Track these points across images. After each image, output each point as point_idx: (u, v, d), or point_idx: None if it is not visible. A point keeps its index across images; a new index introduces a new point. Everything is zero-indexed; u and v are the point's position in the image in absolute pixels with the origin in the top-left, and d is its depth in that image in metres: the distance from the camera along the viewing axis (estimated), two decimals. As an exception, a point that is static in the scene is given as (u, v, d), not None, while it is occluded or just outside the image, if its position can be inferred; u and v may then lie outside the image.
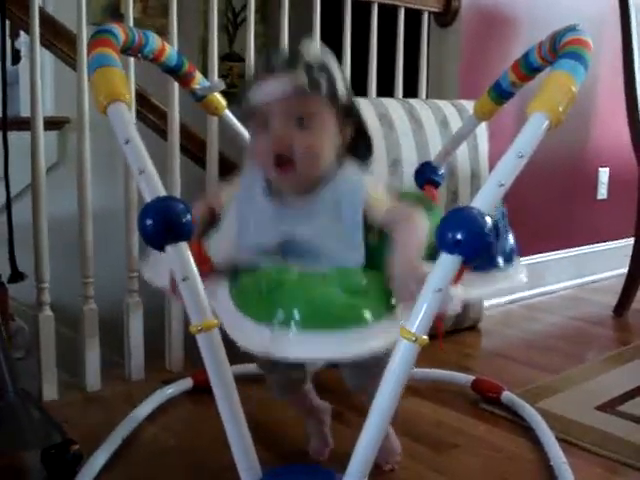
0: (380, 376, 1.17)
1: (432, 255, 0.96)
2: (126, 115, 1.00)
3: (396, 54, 2.33)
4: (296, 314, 0.97)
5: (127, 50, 1.19)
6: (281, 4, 2.05)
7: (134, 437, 1.52)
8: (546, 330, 2.47)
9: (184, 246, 0.93)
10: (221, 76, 1.89)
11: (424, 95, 2.41)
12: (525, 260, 2.69)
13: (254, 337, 0.98)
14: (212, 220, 1.21)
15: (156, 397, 1.68)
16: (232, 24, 3.50)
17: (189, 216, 0.94)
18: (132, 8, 1.83)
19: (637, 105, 2.52)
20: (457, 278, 0.96)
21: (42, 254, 1.72)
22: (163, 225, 0.92)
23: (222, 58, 2.42)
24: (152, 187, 0.95)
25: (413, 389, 1.75)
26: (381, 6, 2.27)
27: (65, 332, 2.01)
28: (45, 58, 2.48)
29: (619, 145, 2.93)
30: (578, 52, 1.03)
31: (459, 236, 0.90)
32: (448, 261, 0.91)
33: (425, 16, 2.40)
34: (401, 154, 1.99)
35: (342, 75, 1.12)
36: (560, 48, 1.09)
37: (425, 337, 0.91)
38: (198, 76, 1.45)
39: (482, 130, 2.20)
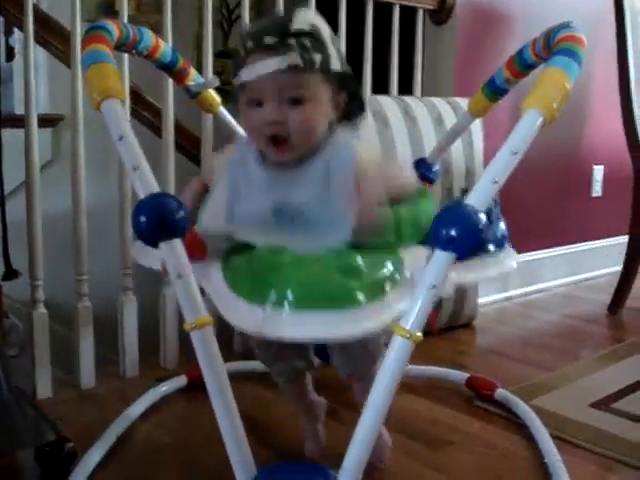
0: (370, 363, 1.17)
1: (424, 241, 0.96)
2: (120, 111, 0.99)
3: (391, 51, 2.33)
4: (289, 295, 0.97)
5: (121, 46, 1.19)
6: (276, 1, 2.05)
7: (128, 435, 1.51)
8: (541, 328, 2.47)
9: (178, 243, 0.93)
10: (216, 73, 1.89)
11: (419, 92, 2.41)
12: (520, 257, 2.71)
13: (247, 317, 0.98)
14: (205, 194, 1.20)
15: (150, 394, 1.68)
16: (227, 21, 3.50)
17: (183, 213, 0.93)
18: (126, 5, 1.83)
19: (631, 103, 2.53)
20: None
21: (36, 251, 1.72)
22: (157, 222, 0.92)
23: (217, 55, 2.42)
24: (146, 184, 0.95)
25: (408, 386, 1.75)
26: (376, 3, 2.26)
27: (59, 329, 2.00)
28: (39, 55, 2.47)
29: (614, 143, 2.93)
30: (572, 49, 1.03)
31: (453, 233, 0.90)
32: (442, 258, 0.91)
33: (420, 13, 2.40)
34: (396, 151, 1.99)
35: (335, 44, 1.10)
36: (554, 45, 1.09)
37: (419, 334, 0.91)
38: (193, 73, 1.45)
39: (477, 127, 2.20)
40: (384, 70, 2.33)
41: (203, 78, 1.51)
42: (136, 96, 2.07)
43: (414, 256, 1.07)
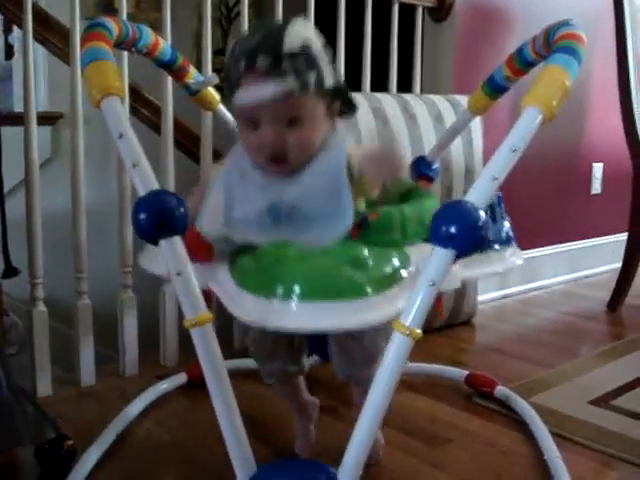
0: (369, 363, 1.18)
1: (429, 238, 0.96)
2: (119, 109, 0.99)
3: (390, 49, 2.33)
4: (296, 288, 0.97)
5: (120, 44, 1.19)
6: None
7: (128, 432, 1.51)
8: (540, 325, 2.47)
9: (178, 240, 0.93)
10: (215, 70, 1.89)
11: (418, 90, 2.41)
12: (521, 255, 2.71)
13: (253, 309, 0.99)
14: None
15: (150, 392, 1.68)
16: (226, 18, 3.50)
17: (183, 210, 0.93)
18: (125, 2, 1.83)
19: (631, 100, 2.53)
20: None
21: (36, 249, 1.72)
22: (157, 219, 0.92)
23: (216, 52, 2.42)
24: (146, 181, 0.95)
25: (407, 383, 1.76)
26: (375, 1, 2.26)
27: (59, 327, 2.01)
28: (38, 53, 2.48)
29: (613, 140, 2.93)
30: (572, 46, 1.03)
31: (453, 230, 0.90)
32: (442, 255, 0.91)
33: (419, 11, 2.40)
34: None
35: (328, 57, 1.11)
36: (554, 42, 1.09)
37: (419, 331, 0.91)
38: (192, 70, 1.45)
39: (476, 125, 2.20)
40: (383, 67, 2.33)
41: (202, 76, 1.51)
42: (135, 93, 2.07)
43: (419, 252, 1.08)
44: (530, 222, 2.79)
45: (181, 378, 1.76)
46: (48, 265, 1.74)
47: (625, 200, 2.61)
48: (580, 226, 3.10)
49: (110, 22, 1.13)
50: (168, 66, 1.41)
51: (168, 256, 0.93)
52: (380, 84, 2.31)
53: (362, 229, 1.09)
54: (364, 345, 1.18)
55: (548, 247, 2.94)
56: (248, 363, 1.79)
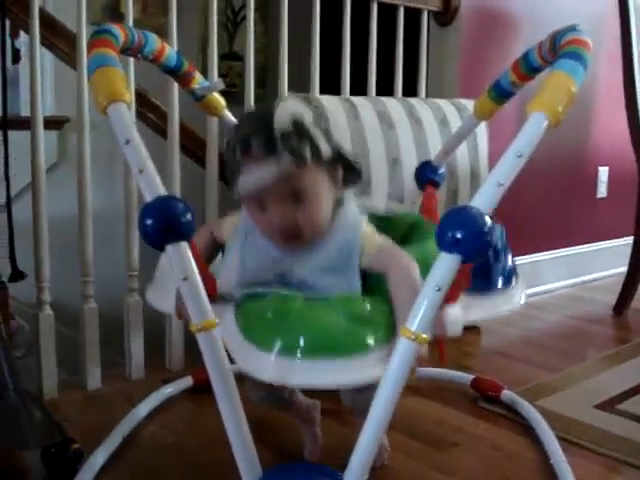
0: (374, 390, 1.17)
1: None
2: (126, 115, 0.99)
3: (396, 53, 2.33)
4: (301, 341, 0.98)
5: (127, 50, 1.19)
6: (281, 3, 2.05)
7: (134, 436, 1.52)
8: (546, 329, 2.47)
9: (184, 246, 0.94)
10: (221, 75, 1.89)
11: (424, 94, 2.41)
12: (525, 259, 2.72)
13: (258, 363, 0.99)
14: (214, 246, 1.24)
15: (156, 396, 1.69)
16: (232, 23, 3.51)
17: (189, 216, 0.94)
18: (132, 7, 1.83)
19: (636, 104, 2.52)
20: (457, 293, 0.97)
21: (42, 253, 1.73)
22: (163, 225, 0.92)
23: (222, 57, 2.43)
24: (152, 187, 0.95)
25: (413, 388, 1.76)
26: (381, 5, 2.27)
27: (65, 331, 2.01)
28: (45, 58, 2.49)
29: (619, 144, 2.93)
30: (578, 52, 1.03)
31: (458, 235, 0.90)
32: (447, 260, 0.91)
33: (425, 15, 2.40)
34: (401, 153, 1.98)
35: (322, 126, 1.10)
36: (560, 48, 1.09)
37: (425, 336, 0.91)
38: (198, 76, 1.45)
39: (482, 130, 2.19)
40: (389, 71, 2.33)
41: (208, 81, 1.51)
42: (142, 98, 2.08)
43: None
44: (536, 226, 2.79)
45: (187, 382, 1.77)
46: (54, 269, 1.75)
47: (631, 204, 2.61)
48: (586, 230, 3.10)
49: (116, 29, 1.13)
50: (174, 72, 1.42)
51: (174, 262, 0.93)
52: (385, 88, 2.31)
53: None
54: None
55: (554, 251, 2.94)
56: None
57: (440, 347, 1.06)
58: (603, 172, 3.13)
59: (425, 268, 1.06)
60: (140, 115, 2.06)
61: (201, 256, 1.11)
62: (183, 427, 1.63)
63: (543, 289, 2.88)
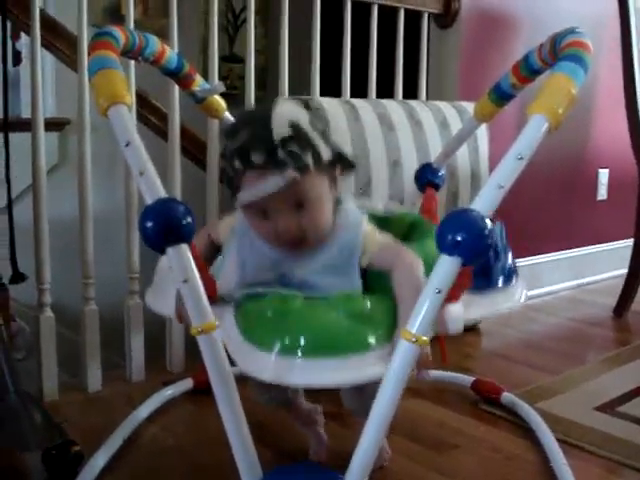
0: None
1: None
2: (127, 118, 1.00)
3: (396, 55, 2.33)
4: (301, 341, 0.97)
5: (127, 53, 1.19)
6: (281, 5, 2.06)
7: (135, 438, 1.52)
8: (546, 331, 2.47)
9: (185, 248, 0.94)
10: (221, 77, 1.90)
11: (424, 96, 2.41)
12: (525, 261, 2.72)
13: (258, 364, 0.98)
14: (213, 247, 1.24)
15: (157, 398, 1.69)
16: (232, 25, 3.51)
17: (190, 218, 0.94)
18: (133, 9, 1.84)
19: (637, 106, 2.52)
20: (458, 293, 0.97)
21: (43, 255, 1.73)
22: (164, 227, 0.92)
23: (222, 59, 2.43)
24: (153, 189, 0.95)
25: (414, 390, 1.75)
26: (381, 7, 2.27)
27: (66, 333, 2.01)
28: (46, 59, 2.49)
29: (619, 146, 2.93)
30: (578, 54, 1.03)
31: (459, 237, 0.90)
32: (447, 262, 0.91)
33: (425, 17, 2.40)
34: (401, 155, 1.99)
35: (318, 127, 1.08)
36: (560, 50, 1.09)
37: (425, 338, 0.91)
38: (198, 79, 1.45)
39: (482, 132, 2.19)
40: (389, 74, 2.34)
41: (208, 84, 1.51)
42: (142, 101, 2.08)
43: None
44: (536, 228, 2.79)
45: (187, 384, 1.77)
46: (55, 271, 1.75)
47: (631, 206, 2.61)
48: (586, 232, 3.10)
49: (117, 31, 1.13)
50: (174, 74, 1.42)
51: (175, 264, 0.93)
52: (386, 90, 2.31)
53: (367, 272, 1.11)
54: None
55: (554, 253, 2.94)
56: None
57: (441, 346, 1.05)
58: (603, 174, 3.13)
59: (427, 266, 1.07)
60: (141, 117, 2.06)
61: (200, 258, 1.11)
62: (183, 429, 1.63)
63: (543, 291, 2.88)
